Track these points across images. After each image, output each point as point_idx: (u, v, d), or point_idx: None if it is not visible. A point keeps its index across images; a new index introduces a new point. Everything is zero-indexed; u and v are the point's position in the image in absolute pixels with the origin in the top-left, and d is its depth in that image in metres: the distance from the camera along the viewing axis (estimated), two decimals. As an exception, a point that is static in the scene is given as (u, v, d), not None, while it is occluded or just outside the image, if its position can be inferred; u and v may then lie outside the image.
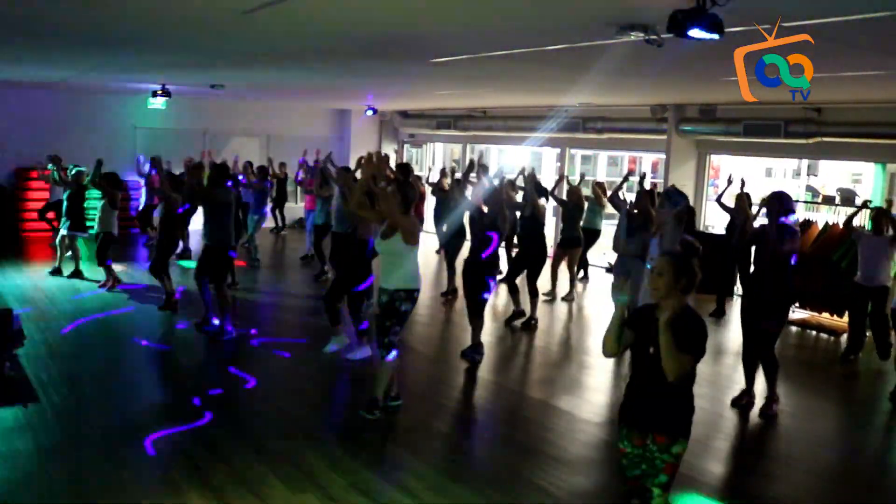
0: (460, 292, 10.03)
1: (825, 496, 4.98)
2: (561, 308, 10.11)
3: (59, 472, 4.70)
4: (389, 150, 17.87)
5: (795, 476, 5.22)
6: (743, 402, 6.38)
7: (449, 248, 10.35)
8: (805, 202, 12.89)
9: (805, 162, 16.94)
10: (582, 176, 12.11)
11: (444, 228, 11.80)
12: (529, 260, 8.75)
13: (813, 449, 5.75)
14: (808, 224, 9.89)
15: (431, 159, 18.94)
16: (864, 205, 9.14)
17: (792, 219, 6.17)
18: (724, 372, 7.40)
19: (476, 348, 7.35)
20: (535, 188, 8.84)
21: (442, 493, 4.67)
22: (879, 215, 8.13)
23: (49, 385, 6.15)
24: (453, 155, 19.06)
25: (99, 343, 7.63)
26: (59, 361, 6.86)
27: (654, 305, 3.40)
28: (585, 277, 11.79)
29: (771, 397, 6.23)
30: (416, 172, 14.50)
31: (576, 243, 10.34)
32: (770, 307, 6.09)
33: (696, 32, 3.94)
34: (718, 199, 9.92)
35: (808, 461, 5.50)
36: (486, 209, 7.55)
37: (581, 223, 10.52)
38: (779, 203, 6.05)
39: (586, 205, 11.06)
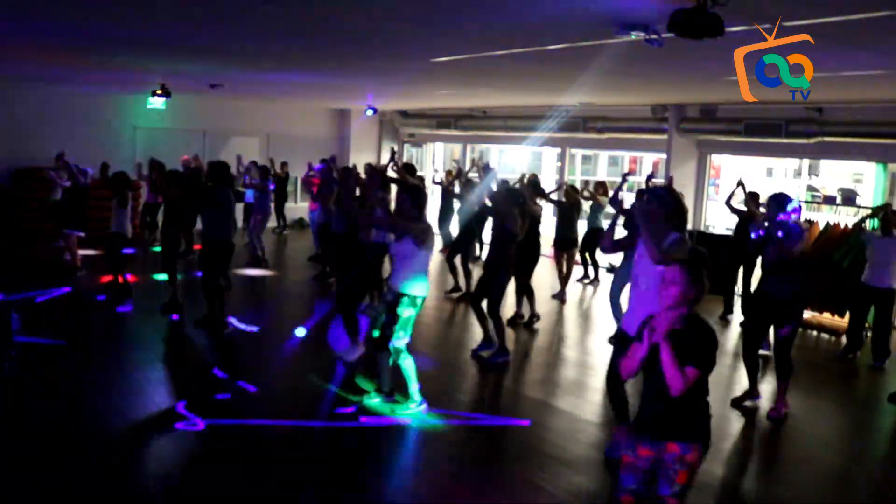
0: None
1: (827, 497, 4.97)
2: (562, 308, 10.10)
3: (52, 477, 4.70)
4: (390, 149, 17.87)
5: (797, 476, 5.22)
6: (745, 403, 6.37)
7: (458, 248, 10.35)
8: (806, 202, 12.88)
9: (806, 162, 16.97)
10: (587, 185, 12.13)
11: (449, 228, 11.84)
12: (523, 259, 8.76)
13: (814, 449, 5.75)
14: (809, 224, 9.87)
15: (432, 159, 18.94)
16: (885, 208, 8.69)
17: (794, 218, 6.13)
18: (725, 372, 7.37)
19: (500, 352, 7.33)
20: (532, 189, 8.86)
21: (442, 493, 4.66)
22: (887, 215, 8.07)
23: (45, 385, 6.14)
24: (454, 155, 19.04)
25: (100, 343, 7.62)
26: (59, 361, 6.85)
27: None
28: (589, 277, 11.77)
29: (780, 400, 6.21)
30: (419, 173, 14.51)
31: (571, 244, 10.37)
32: (781, 310, 6.03)
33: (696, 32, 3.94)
34: (728, 202, 9.77)
35: (810, 461, 5.49)
36: (493, 210, 7.57)
37: (582, 223, 10.54)
38: (778, 204, 6.03)
39: (588, 205, 11.07)
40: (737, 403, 6.38)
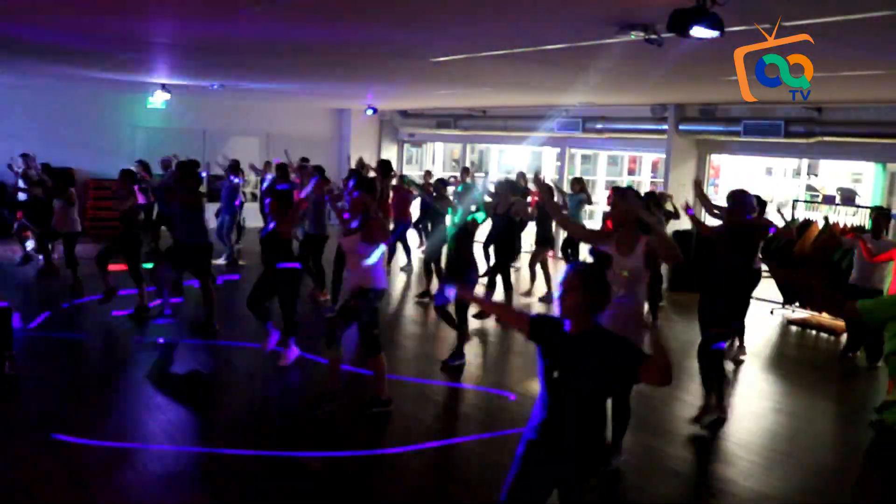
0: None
1: (826, 495, 4.98)
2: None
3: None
4: (391, 149, 17.81)
5: (796, 475, 5.22)
6: (703, 420, 5.75)
7: (439, 253, 10.31)
8: (805, 202, 12.89)
9: (805, 161, 16.98)
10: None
11: (433, 233, 11.84)
12: (498, 256, 8.78)
13: (814, 448, 5.75)
14: (808, 224, 9.87)
15: (431, 159, 18.95)
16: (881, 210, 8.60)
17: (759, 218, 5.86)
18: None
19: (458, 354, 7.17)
20: (511, 188, 8.92)
21: (440, 493, 4.67)
22: (879, 217, 8.05)
23: (33, 384, 6.16)
24: (453, 155, 19.06)
25: (87, 341, 7.63)
26: (49, 360, 6.86)
27: (559, 319, 3.02)
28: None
29: (714, 404, 5.74)
30: (416, 173, 14.53)
31: (548, 244, 10.35)
32: (721, 313, 5.67)
33: (696, 31, 3.94)
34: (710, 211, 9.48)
35: (809, 460, 5.49)
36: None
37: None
38: (734, 202, 5.73)
39: (568, 202, 11.05)
40: (695, 421, 5.77)
